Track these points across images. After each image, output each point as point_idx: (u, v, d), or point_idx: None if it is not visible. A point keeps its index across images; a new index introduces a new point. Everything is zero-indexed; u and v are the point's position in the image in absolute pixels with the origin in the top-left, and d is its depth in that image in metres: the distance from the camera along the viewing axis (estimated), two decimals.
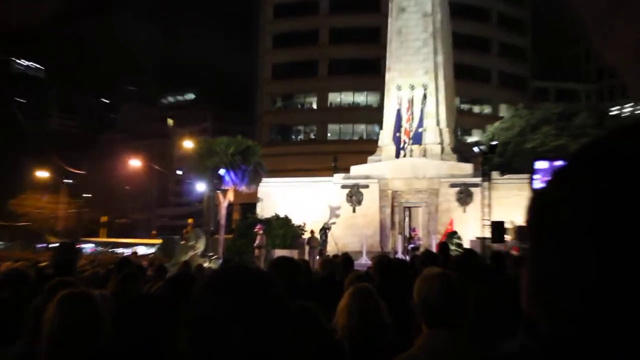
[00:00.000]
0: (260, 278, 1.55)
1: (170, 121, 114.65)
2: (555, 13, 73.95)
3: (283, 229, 31.08)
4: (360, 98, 66.19)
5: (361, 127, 66.10)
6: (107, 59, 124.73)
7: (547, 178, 0.76)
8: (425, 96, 34.47)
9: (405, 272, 5.97)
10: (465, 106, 63.72)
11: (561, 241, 0.71)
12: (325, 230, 31.60)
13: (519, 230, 24.44)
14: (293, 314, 1.54)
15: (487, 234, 25.44)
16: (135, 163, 70.23)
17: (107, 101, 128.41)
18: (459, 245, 25.50)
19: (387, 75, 36.16)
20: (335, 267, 6.87)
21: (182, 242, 29.94)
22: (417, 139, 33.51)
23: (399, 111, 34.39)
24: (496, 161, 33.52)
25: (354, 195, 33.25)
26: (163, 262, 16.04)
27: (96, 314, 2.58)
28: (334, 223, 33.01)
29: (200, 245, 25.35)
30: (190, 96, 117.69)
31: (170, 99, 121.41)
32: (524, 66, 67.13)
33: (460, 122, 46.26)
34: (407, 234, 32.63)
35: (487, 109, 65.43)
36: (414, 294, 2.58)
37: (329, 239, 32.11)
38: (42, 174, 68.06)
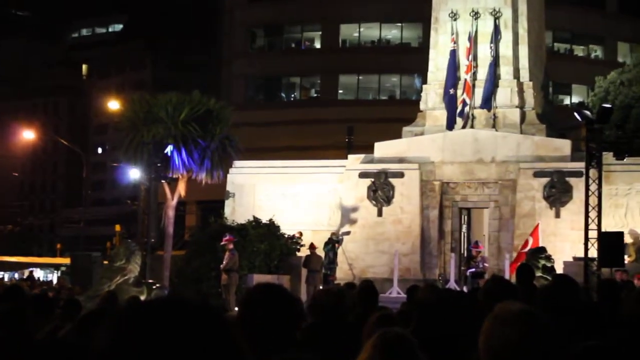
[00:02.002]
0: (209, 318, 1.57)
1: (84, 68, 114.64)
2: None
3: (266, 242, 31.13)
4: (391, 33, 66.01)
5: (392, 80, 65.98)
6: None
7: None
8: (497, 30, 34.38)
9: (462, 311, 6.00)
10: (561, 46, 63.49)
11: None
12: (333, 244, 31.58)
13: None
14: None
15: (594, 252, 25.42)
16: (27, 135, 70.11)
17: None
18: (549, 270, 25.49)
19: None
20: (338, 303, 6.88)
21: (106, 262, 30.01)
22: (487, 100, 33.48)
23: (453, 54, 34.30)
24: (611, 136, 33.46)
25: (380, 189, 33.28)
26: (74, 294, 16.15)
27: None
28: (347, 233, 33.07)
29: (134, 267, 25.42)
30: (117, 28, 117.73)
31: (85, 31, 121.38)
32: None
33: (554, 73, 46.14)
34: (464, 251, 32.60)
35: (597, 51, 65.25)
36: (479, 344, 2.59)
37: (339, 257, 32.10)
38: None
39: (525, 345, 2.54)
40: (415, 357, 3.55)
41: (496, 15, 34.36)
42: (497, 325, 2.59)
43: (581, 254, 26.61)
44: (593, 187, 26.62)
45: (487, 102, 33.64)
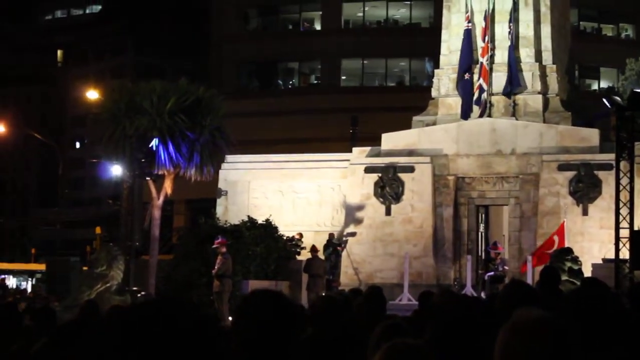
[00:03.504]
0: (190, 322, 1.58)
1: (59, 54, 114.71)
2: None
3: (263, 245, 31.18)
4: (399, 12, 66.01)
5: (400, 64, 65.96)
6: None
7: None
8: (516, 7, 34.38)
9: (478, 319, 6.00)
10: (587, 25, 63.42)
11: None
12: (335, 247, 31.58)
13: None
14: None
15: (626, 253, 25.43)
16: None
17: None
18: (576, 273, 25.51)
19: None
20: (340, 311, 6.88)
21: (85, 269, 30.04)
22: (512, 86, 33.45)
23: (468, 34, 34.29)
24: None
25: (388, 186, 33.30)
26: (49, 303, 16.19)
27: None
28: (352, 234, 33.11)
29: (116, 274, 25.48)
30: (95, 9, 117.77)
31: (59, 13, 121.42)
32: None
33: (580, 55, 46.12)
34: (482, 252, 32.60)
35: (627, 30, 65.20)
36: (494, 355, 2.59)
37: (344, 261, 32.10)
38: None
39: (542, 356, 2.53)
40: None
41: None
42: (512, 334, 2.59)
43: (611, 255, 26.62)
44: (624, 180, 26.63)
45: (512, 86, 33.59)
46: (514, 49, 33.94)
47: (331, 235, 32.08)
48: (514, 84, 33.63)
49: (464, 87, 33.86)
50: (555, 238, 29.42)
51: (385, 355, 3.47)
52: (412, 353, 3.50)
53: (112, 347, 1.76)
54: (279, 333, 3.84)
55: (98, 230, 52.01)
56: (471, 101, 33.66)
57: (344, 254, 32.00)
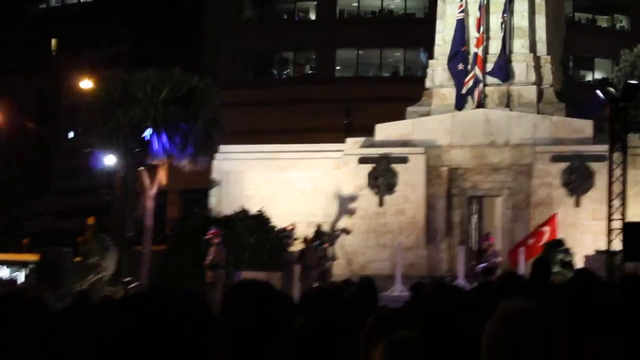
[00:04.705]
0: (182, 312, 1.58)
1: (53, 43, 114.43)
2: None
3: (255, 236, 31.19)
4: (394, 2, 65.91)
5: (395, 55, 65.89)
6: None
7: None
8: None
9: (469, 310, 6.00)
10: (582, 16, 63.39)
11: None
12: (327, 238, 31.56)
13: None
14: None
15: (618, 245, 25.46)
16: None
17: None
18: (567, 264, 25.56)
19: None
20: (331, 303, 6.85)
21: (78, 259, 30.00)
22: (500, 73, 33.45)
23: (461, 24, 34.27)
24: (637, 116, 33.41)
25: (382, 176, 33.30)
26: (42, 293, 16.11)
27: None
28: (346, 232, 33.08)
29: (109, 264, 25.47)
30: None
31: (54, 2, 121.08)
32: None
33: (574, 46, 46.11)
34: (474, 244, 32.62)
35: (622, 21, 65.19)
36: (482, 345, 2.58)
37: (337, 252, 32.10)
38: None
39: (527, 347, 2.52)
40: None
41: None
42: (500, 325, 2.58)
43: (603, 247, 26.67)
44: (617, 172, 26.66)
45: (503, 75, 33.60)
46: (508, 39, 33.96)
47: (319, 227, 32.02)
48: (504, 74, 33.62)
49: (458, 78, 33.86)
50: (546, 229, 29.47)
51: (387, 350, 3.47)
52: (409, 348, 3.50)
53: (102, 338, 1.76)
54: (266, 323, 3.83)
55: (91, 220, 51.91)
56: (465, 93, 33.68)
57: (337, 245, 31.99)
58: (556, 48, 36.54)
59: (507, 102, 33.92)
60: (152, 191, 32.38)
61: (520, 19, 34.62)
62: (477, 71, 33.64)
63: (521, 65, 34.30)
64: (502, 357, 2.50)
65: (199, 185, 38.97)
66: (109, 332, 1.68)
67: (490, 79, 33.90)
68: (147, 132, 31.03)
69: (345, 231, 32.89)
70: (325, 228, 32.59)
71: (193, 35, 75.96)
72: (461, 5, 34.31)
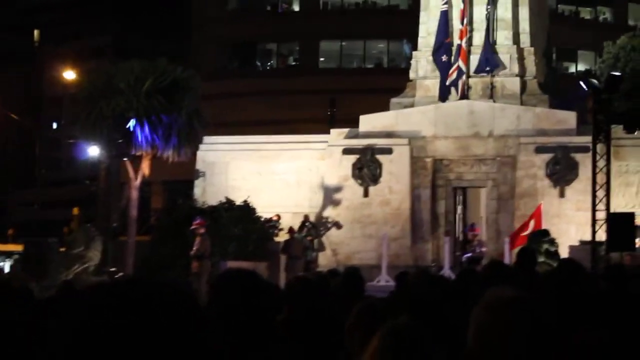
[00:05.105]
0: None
1: (36, 33, 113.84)
2: None
3: (241, 226, 31.15)
4: None
5: (379, 46, 65.84)
6: None
7: None
8: None
9: (452, 300, 6.01)
10: (565, 8, 63.50)
11: None
12: (312, 227, 31.57)
13: None
14: None
15: (602, 235, 25.57)
16: None
17: None
18: (552, 254, 25.65)
19: None
20: (316, 292, 6.85)
21: (63, 249, 29.92)
22: (488, 64, 33.48)
23: (445, 16, 34.27)
24: (620, 107, 33.53)
25: (366, 167, 33.31)
26: (27, 283, 16.07)
27: None
28: (336, 226, 33.08)
29: (94, 255, 25.40)
30: None
31: None
32: None
33: (557, 37, 46.16)
34: (459, 234, 32.69)
35: (605, 13, 65.34)
36: (469, 333, 2.59)
37: (324, 242, 32.12)
38: None
39: (515, 334, 2.53)
40: (429, 350, 3.48)
41: None
42: (486, 313, 2.58)
43: (588, 237, 26.79)
44: (601, 163, 26.76)
45: (488, 65, 33.63)
46: (492, 31, 34.01)
47: (306, 217, 32.06)
48: (491, 64, 33.68)
49: (442, 69, 33.89)
50: (531, 221, 29.54)
51: (385, 334, 3.43)
52: (411, 331, 3.46)
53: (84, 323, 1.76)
54: (252, 311, 3.82)
55: (75, 211, 51.79)
56: (449, 84, 33.71)
57: (324, 235, 32.05)
58: (540, 40, 36.59)
59: (491, 93, 33.97)
60: (136, 182, 32.31)
61: (504, 10, 34.66)
62: (461, 63, 33.67)
63: (505, 57, 34.37)
64: (490, 344, 2.50)
65: (183, 176, 38.89)
66: (92, 319, 1.68)
67: (474, 71, 33.93)
68: (131, 123, 30.94)
69: (337, 225, 32.91)
70: (312, 219, 32.65)
71: (177, 25, 75.71)
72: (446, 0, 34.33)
